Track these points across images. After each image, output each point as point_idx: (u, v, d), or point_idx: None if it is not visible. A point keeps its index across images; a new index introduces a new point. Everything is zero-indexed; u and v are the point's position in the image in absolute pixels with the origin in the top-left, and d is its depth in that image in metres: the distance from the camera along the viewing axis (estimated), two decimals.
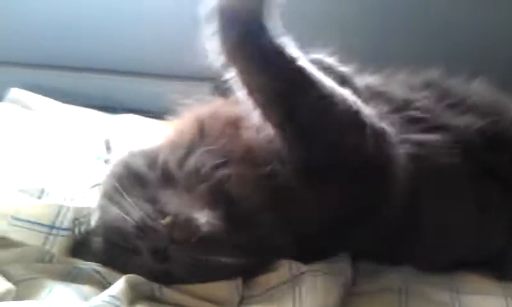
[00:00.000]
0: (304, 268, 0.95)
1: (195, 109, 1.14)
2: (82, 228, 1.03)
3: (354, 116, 0.93)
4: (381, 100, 1.07)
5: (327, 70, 1.02)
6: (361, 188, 0.94)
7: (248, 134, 1.01)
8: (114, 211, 0.96)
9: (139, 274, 0.92)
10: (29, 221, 0.98)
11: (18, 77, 1.92)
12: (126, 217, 0.93)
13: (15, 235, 0.96)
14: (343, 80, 1.04)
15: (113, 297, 0.86)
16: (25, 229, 0.97)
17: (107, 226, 1.00)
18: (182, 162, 1.01)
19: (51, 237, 0.99)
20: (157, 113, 1.56)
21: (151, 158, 1.04)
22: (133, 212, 0.93)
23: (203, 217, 0.92)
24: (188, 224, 0.91)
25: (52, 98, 1.77)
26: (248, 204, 0.96)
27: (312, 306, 0.87)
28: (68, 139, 1.46)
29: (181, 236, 0.90)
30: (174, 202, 0.95)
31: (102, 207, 1.02)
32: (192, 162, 1.00)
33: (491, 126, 1.06)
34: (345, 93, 0.95)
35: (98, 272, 0.96)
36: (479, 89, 1.17)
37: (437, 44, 1.65)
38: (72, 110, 1.72)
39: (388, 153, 0.95)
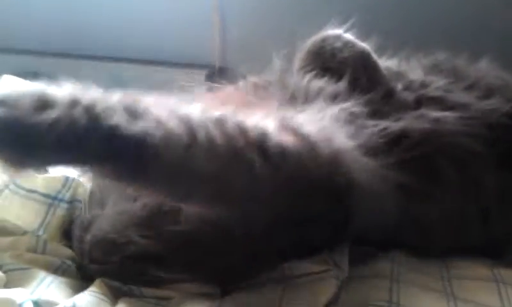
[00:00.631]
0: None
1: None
2: (76, 212, 1.03)
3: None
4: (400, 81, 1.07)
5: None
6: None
7: None
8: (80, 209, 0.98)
9: None
10: (34, 191, 0.99)
11: (14, 64, 1.91)
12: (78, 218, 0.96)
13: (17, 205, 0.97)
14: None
15: (95, 292, 0.88)
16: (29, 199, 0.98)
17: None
18: None
19: (52, 209, 1.00)
20: None
21: None
22: (81, 215, 0.95)
23: (123, 238, 0.89)
24: (103, 245, 0.90)
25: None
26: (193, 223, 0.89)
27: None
28: None
29: (97, 256, 0.90)
30: (107, 215, 0.93)
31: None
32: None
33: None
34: None
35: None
36: (488, 70, 1.16)
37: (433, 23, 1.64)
38: None
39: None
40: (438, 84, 1.07)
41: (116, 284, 0.91)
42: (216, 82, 1.23)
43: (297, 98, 1.02)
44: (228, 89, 1.15)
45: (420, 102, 1.04)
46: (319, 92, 1.01)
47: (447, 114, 1.01)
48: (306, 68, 1.09)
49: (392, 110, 1.01)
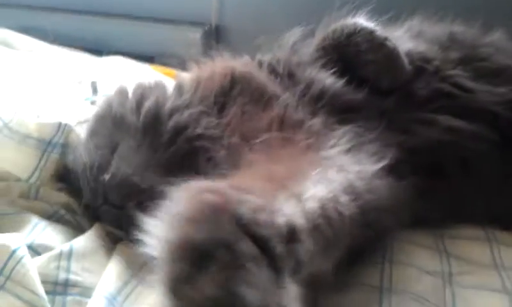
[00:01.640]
0: None
1: (223, 59, 1.09)
2: (70, 157, 1.01)
3: None
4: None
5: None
6: None
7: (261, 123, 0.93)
8: (79, 152, 0.95)
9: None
10: (28, 136, 0.98)
11: (7, 18, 1.88)
12: (82, 159, 0.92)
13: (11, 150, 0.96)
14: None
15: (94, 236, 0.88)
16: (23, 145, 0.97)
17: (72, 165, 0.98)
18: (174, 111, 0.95)
19: (46, 154, 0.98)
20: (146, 56, 1.54)
21: (140, 101, 0.99)
22: (88, 156, 0.91)
23: (145, 182, 0.88)
24: (124, 187, 0.88)
25: (40, 39, 1.73)
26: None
27: None
28: (55, 79, 1.43)
29: (115, 198, 0.88)
30: (126, 157, 0.91)
31: (76, 146, 1.00)
32: (183, 117, 0.94)
33: None
34: None
35: (75, 218, 0.95)
36: (500, 44, 1.15)
37: None
38: (59, 51, 1.69)
39: None
40: (452, 72, 1.05)
41: (110, 229, 0.91)
42: (212, 43, 1.20)
43: (309, 100, 0.97)
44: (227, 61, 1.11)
45: (434, 100, 1.03)
46: (333, 99, 0.97)
47: (458, 123, 1.00)
48: (322, 59, 1.04)
49: (407, 117, 1.00)
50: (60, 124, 1.01)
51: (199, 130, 0.93)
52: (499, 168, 1.02)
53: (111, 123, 0.97)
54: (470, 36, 1.15)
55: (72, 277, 0.78)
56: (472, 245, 0.96)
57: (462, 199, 1.01)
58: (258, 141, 0.88)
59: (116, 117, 0.97)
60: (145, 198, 0.87)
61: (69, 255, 0.81)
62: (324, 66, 1.03)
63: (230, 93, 0.99)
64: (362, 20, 1.05)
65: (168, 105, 0.96)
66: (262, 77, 1.02)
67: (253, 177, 0.70)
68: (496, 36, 1.17)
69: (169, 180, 0.87)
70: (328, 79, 1.00)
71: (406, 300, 0.79)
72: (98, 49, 1.78)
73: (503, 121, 1.02)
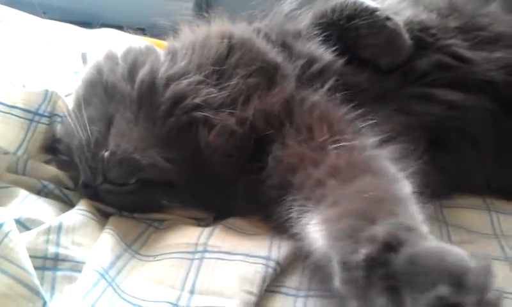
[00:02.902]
0: None
1: (220, 24, 1.05)
2: (59, 127, 0.99)
3: None
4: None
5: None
6: None
7: (274, 99, 0.91)
8: (70, 124, 0.91)
9: None
10: (14, 106, 0.95)
11: None
12: (75, 133, 0.89)
13: None
14: None
15: (84, 210, 0.85)
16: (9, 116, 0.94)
17: (62, 136, 0.96)
18: (170, 81, 0.92)
19: (33, 124, 0.96)
20: (136, 28, 1.50)
21: (132, 68, 0.96)
22: (82, 130, 0.88)
23: (145, 159, 0.86)
24: (124, 166, 0.85)
25: (28, 12, 1.69)
26: (213, 157, 0.89)
27: None
28: (44, 52, 1.40)
29: (115, 176, 0.86)
30: (124, 132, 0.88)
31: (65, 116, 0.96)
32: (180, 86, 0.91)
33: None
34: None
35: (64, 193, 0.93)
36: (498, 13, 1.14)
37: None
38: (49, 24, 1.65)
39: None
40: (451, 41, 1.03)
41: (101, 205, 0.89)
42: (204, 12, 1.17)
43: (310, 76, 0.96)
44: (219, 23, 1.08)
45: (433, 73, 1.01)
46: (335, 78, 0.95)
47: (456, 97, 0.99)
48: (320, 36, 1.01)
49: (406, 94, 0.99)
50: (47, 92, 0.98)
51: (198, 100, 0.90)
52: (499, 138, 1.01)
53: (103, 92, 0.94)
54: (469, 5, 1.13)
55: (62, 251, 0.76)
56: (471, 214, 0.96)
57: (462, 170, 1.00)
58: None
59: (108, 85, 0.94)
60: (146, 174, 0.86)
61: (58, 229, 0.78)
62: (323, 42, 1.00)
63: (228, 60, 0.96)
64: None
65: (163, 73, 0.93)
66: (262, 44, 0.99)
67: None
68: (494, 6, 1.16)
69: (169, 155, 0.86)
70: (329, 57, 0.98)
71: None
72: (87, 21, 1.75)
73: (502, 87, 1.01)
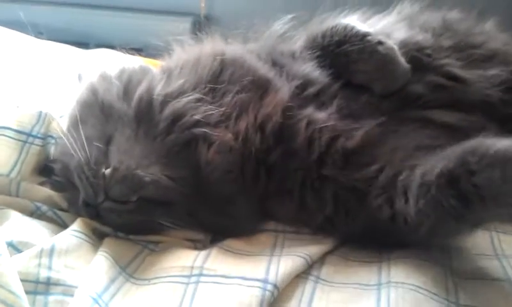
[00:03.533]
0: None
1: (211, 43, 1.06)
2: (53, 148, 0.98)
3: None
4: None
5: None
6: None
7: (268, 110, 0.92)
8: (66, 143, 0.89)
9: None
10: (7, 128, 0.94)
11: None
12: (73, 153, 0.87)
13: None
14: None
15: (77, 231, 0.84)
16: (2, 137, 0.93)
17: (58, 157, 0.94)
18: (168, 98, 0.92)
19: (26, 146, 0.95)
20: (133, 48, 1.50)
21: (128, 87, 0.95)
22: (80, 149, 0.86)
23: (149, 176, 0.84)
24: (127, 182, 0.83)
25: (25, 33, 1.69)
26: (213, 174, 0.89)
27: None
28: (40, 73, 1.39)
29: (117, 194, 0.84)
30: (125, 149, 0.87)
31: (60, 136, 0.95)
32: (179, 104, 0.91)
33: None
34: None
35: (57, 215, 0.91)
36: (492, 31, 1.15)
37: None
38: (45, 44, 1.65)
39: None
40: (445, 61, 1.03)
41: (96, 225, 0.87)
42: (201, 32, 1.17)
43: (306, 97, 0.96)
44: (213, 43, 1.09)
45: (429, 94, 0.99)
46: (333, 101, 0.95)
47: (452, 118, 0.98)
48: (314, 59, 1.00)
49: (404, 116, 0.97)
50: (40, 113, 0.97)
51: (197, 117, 0.90)
52: None
53: (99, 112, 0.93)
54: (464, 23, 1.14)
55: (54, 275, 0.74)
56: (472, 234, 0.93)
57: None
58: None
59: (104, 104, 0.93)
60: (148, 192, 0.85)
61: (51, 252, 0.76)
62: (319, 65, 1.00)
63: (221, 77, 0.96)
64: (354, 21, 1.01)
65: (160, 91, 0.93)
66: (253, 61, 0.99)
67: None
68: (489, 25, 1.17)
69: (171, 173, 0.85)
70: (325, 80, 0.98)
71: (405, 292, 0.76)
72: (84, 42, 1.75)
73: (498, 105, 1.00)
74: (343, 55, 0.98)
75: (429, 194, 0.78)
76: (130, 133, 0.89)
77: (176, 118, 0.90)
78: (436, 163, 0.80)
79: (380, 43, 0.97)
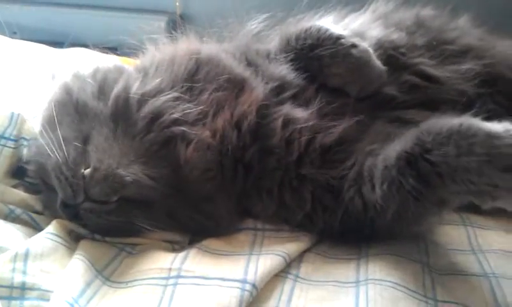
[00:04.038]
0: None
1: (186, 42, 1.05)
2: (25, 150, 0.96)
3: None
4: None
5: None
6: None
7: (243, 108, 0.92)
8: (42, 144, 0.88)
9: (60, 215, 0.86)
10: None
11: None
12: (50, 153, 0.85)
13: None
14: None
15: (52, 234, 0.82)
16: None
17: (34, 158, 0.93)
18: (146, 97, 0.91)
19: None
20: (108, 47, 1.48)
21: (103, 86, 0.94)
22: (57, 149, 0.84)
23: (130, 175, 0.83)
24: (108, 182, 0.82)
25: None
26: (192, 172, 0.88)
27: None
28: (13, 73, 1.37)
29: (97, 194, 0.83)
30: (104, 148, 0.85)
31: (34, 138, 0.94)
32: (157, 103, 0.90)
33: (485, 68, 1.05)
34: None
35: (32, 218, 0.90)
36: (466, 27, 1.16)
37: None
38: (19, 44, 1.62)
39: None
40: (418, 60, 1.04)
41: (73, 227, 0.86)
42: (177, 32, 1.16)
43: (282, 100, 0.96)
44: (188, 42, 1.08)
45: (404, 94, 1.01)
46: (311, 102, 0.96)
47: (427, 117, 0.94)
48: (289, 61, 1.00)
49: (381, 117, 0.98)
50: (13, 114, 0.96)
51: (176, 115, 0.90)
52: None
53: (74, 111, 0.92)
54: (437, 20, 1.15)
55: (29, 279, 0.73)
56: (448, 230, 0.95)
57: None
58: None
59: (79, 104, 0.92)
60: (129, 192, 0.84)
61: (25, 256, 0.75)
62: (294, 67, 0.99)
63: (197, 76, 0.96)
64: (328, 23, 1.01)
65: (136, 89, 0.92)
66: (229, 60, 0.99)
67: None
68: (462, 21, 1.18)
69: (151, 172, 0.85)
70: (301, 82, 0.98)
71: (383, 289, 0.76)
72: (59, 41, 1.72)
73: (474, 99, 1.01)
74: (316, 59, 0.98)
75: (391, 177, 0.80)
76: (108, 132, 0.88)
77: (155, 116, 0.89)
78: (395, 146, 0.82)
79: (354, 46, 0.97)
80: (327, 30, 0.99)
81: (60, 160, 0.84)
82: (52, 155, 0.85)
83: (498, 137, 0.73)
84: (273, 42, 1.06)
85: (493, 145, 0.72)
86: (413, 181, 0.77)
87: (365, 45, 0.98)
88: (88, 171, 0.82)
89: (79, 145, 0.86)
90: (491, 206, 0.75)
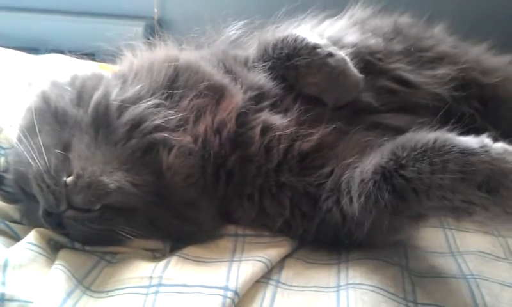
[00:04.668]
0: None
1: (165, 48, 1.05)
2: (2, 159, 0.95)
3: None
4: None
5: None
6: None
7: (224, 115, 0.93)
8: (22, 152, 0.86)
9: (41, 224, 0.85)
10: None
11: None
12: (30, 161, 0.84)
13: None
14: None
15: (32, 244, 0.82)
16: None
17: (13, 166, 0.91)
18: (126, 104, 0.90)
19: None
20: (84, 53, 1.47)
21: (82, 93, 0.93)
22: (38, 157, 0.83)
23: (113, 182, 0.82)
24: (92, 189, 0.81)
25: None
26: (175, 178, 0.88)
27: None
28: None
29: (81, 202, 0.82)
30: (86, 156, 0.84)
31: (15, 144, 0.92)
32: (138, 109, 0.90)
33: (460, 73, 1.07)
34: None
35: (10, 227, 0.89)
36: (441, 35, 1.19)
37: None
38: None
39: None
40: (395, 65, 1.05)
41: (51, 235, 0.85)
42: (154, 36, 1.16)
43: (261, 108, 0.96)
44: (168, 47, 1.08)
45: (380, 99, 1.02)
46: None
47: (403, 122, 0.99)
48: (263, 68, 1.00)
49: (359, 122, 0.98)
50: None
51: (157, 122, 0.89)
52: None
53: (53, 119, 0.91)
54: (414, 28, 1.17)
55: (8, 290, 0.72)
56: (427, 233, 0.96)
57: None
58: None
59: (58, 111, 0.91)
60: (112, 199, 0.83)
61: (4, 267, 0.75)
62: (272, 77, 1.00)
63: (177, 83, 0.96)
64: (305, 32, 1.01)
65: (116, 96, 0.91)
66: (208, 67, 1.00)
67: None
68: (438, 29, 1.21)
69: (134, 179, 0.85)
70: (279, 91, 0.98)
71: (364, 293, 0.77)
72: (35, 47, 1.70)
73: (451, 103, 1.03)
74: (292, 69, 0.99)
75: (367, 190, 0.80)
76: (89, 139, 0.87)
77: (136, 123, 0.89)
78: (372, 160, 0.82)
79: (330, 55, 0.98)
80: (303, 39, 0.99)
81: (41, 168, 0.83)
82: (32, 163, 0.84)
83: (473, 153, 0.73)
84: (251, 49, 1.06)
85: (468, 162, 0.72)
86: (389, 196, 0.77)
87: (341, 53, 0.99)
88: (70, 178, 0.82)
89: (60, 152, 0.85)
90: (469, 221, 0.76)
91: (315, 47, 0.98)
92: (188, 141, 0.90)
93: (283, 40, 1.00)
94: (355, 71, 0.99)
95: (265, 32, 1.07)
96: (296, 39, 0.99)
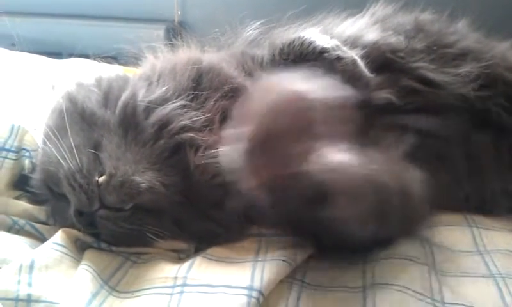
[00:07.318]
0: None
1: (187, 51, 1.06)
2: (27, 161, 0.96)
3: None
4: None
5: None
6: None
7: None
8: (51, 152, 0.87)
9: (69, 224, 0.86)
10: None
11: None
12: (61, 161, 0.85)
13: None
14: None
15: (58, 244, 0.82)
16: None
17: (42, 166, 0.92)
18: (153, 105, 0.91)
19: (0, 160, 0.93)
20: (107, 56, 1.48)
21: (108, 94, 0.95)
22: (69, 157, 0.85)
23: (145, 182, 0.84)
24: (125, 189, 0.83)
25: None
26: (202, 178, 0.89)
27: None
28: (13, 84, 1.37)
29: (113, 201, 0.83)
30: (117, 156, 0.86)
31: (42, 145, 0.94)
32: (165, 110, 0.91)
33: (484, 70, 1.04)
34: None
35: (36, 228, 0.90)
36: (464, 31, 1.16)
37: None
38: (18, 56, 1.63)
39: None
40: (418, 64, 1.03)
41: (78, 235, 0.86)
42: (176, 39, 1.17)
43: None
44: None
45: (403, 99, 1.00)
46: None
47: (427, 123, 0.98)
48: (279, 64, 0.99)
49: (380, 123, 0.98)
50: (13, 126, 0.96)
51: (184, 122, 0.90)
52: (470, 153, 1.01)
53: (80, 119, 0.92)
54: (436, 24, 1.15)
55: (35, 291, 0.72)
56: (453, 232, 0.94)
57: (442, 190, 0.98)
58: None
59: (86, 112, 0.92)
60: (143, 199, 0.84)
61: (30, 268, 0.75)
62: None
63: (201, 85, 0.97)
64: (314, 35, 0.99)
65: (142, 97, 0.92)
66: (230, 69, 1.00)
67: None
68: (461, 24, 1.18)
69: (163, 179, 0.86)
70: None
71: (390, 292, 0.76)
72: (57, 52, 1.72)
73: (474, 101, 1.01)
74: (309, 57, 0.97)
75: None
76: (118, 140, 0.88)
77: (164, 123, 0.90)
78: None
79: (339, 58, 0.95)
80: (310, 43, 0.97)
81: (73, 167, 0.84)
82: (63, 162, 0.85)
83: None
84: (266, 49, 1.05)
85: None
86: None
87: (351, 55, 0.97)
88: (103, 178, 0.83)
89: (92, 152, 0.86)
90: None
91: (322, 52, 0.96)
92: (214, 140, 0.90)
93: (289, 45, 0.98)
94: (365, 71, 0.97)
95: (274, 35, 1.06)
96: (302, 44, 0.97)
